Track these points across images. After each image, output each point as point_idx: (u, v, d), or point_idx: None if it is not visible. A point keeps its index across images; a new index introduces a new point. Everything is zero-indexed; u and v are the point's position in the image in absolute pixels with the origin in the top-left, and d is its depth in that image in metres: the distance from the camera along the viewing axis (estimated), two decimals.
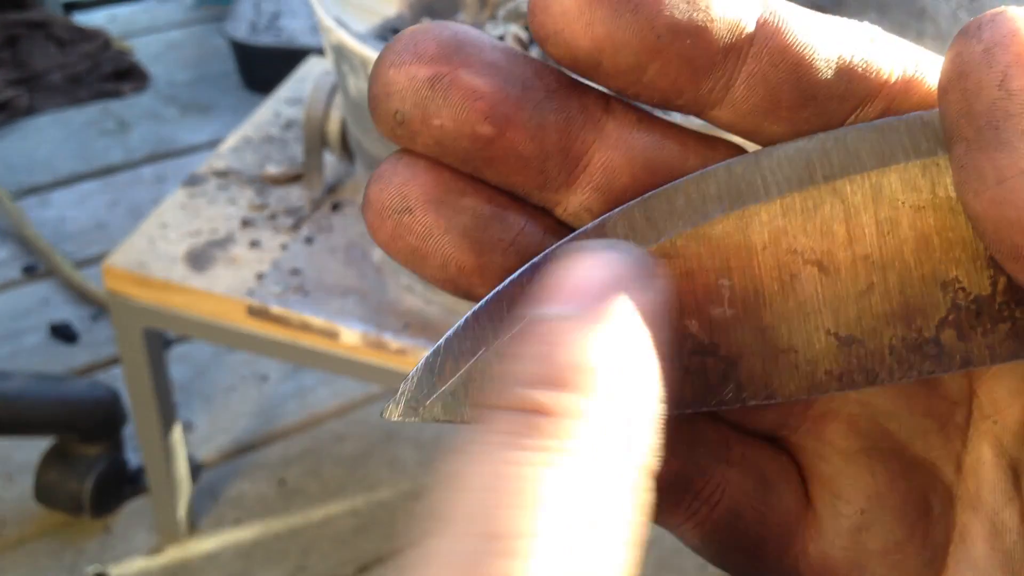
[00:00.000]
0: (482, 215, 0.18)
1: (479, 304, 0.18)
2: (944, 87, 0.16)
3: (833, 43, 0.17)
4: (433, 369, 0.18)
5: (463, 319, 0.18)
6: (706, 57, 0.17)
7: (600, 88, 0.18)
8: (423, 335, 0.87)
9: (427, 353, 0.18)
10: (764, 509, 0.20)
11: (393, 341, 0.86)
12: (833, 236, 0.17)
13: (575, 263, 0.15)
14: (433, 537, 0.13)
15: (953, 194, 0.17)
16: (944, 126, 0.17)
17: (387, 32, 0.95)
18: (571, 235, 0.18)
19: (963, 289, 0.17)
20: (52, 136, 1.96)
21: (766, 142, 0.18)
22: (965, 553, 0.20)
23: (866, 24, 0.18)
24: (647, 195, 0.18)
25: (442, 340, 0.18)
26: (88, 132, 1.97)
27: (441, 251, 0.18)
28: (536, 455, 0.13)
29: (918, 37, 0.94)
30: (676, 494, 0.19)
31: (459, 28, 0.18)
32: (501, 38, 0.92)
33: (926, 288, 0.17)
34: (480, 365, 0.17)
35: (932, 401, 0.20)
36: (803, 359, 0.18)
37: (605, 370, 0.14)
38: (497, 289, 0.18)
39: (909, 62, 0.18)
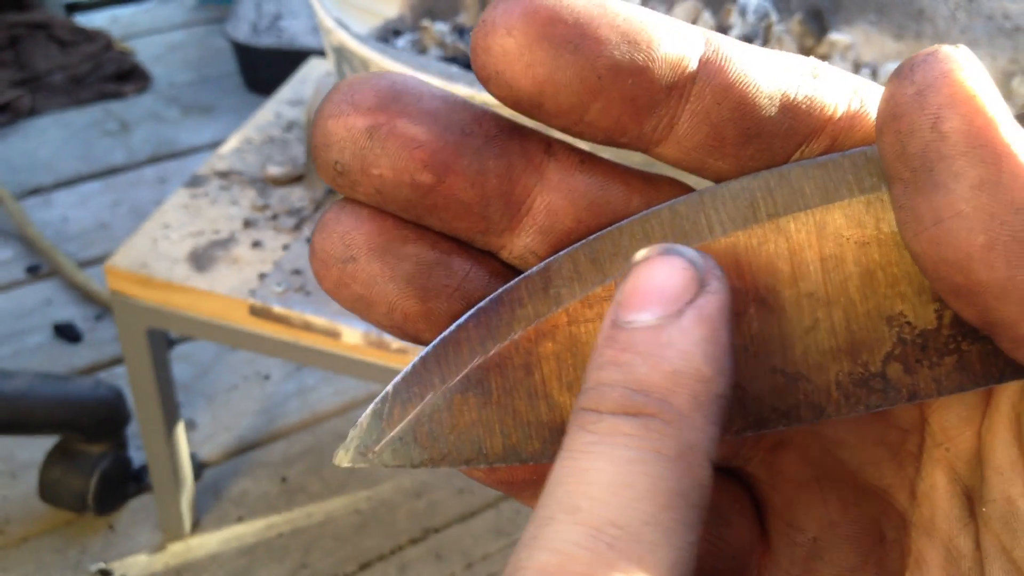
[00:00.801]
0: (426, 262, 0.18)
1: (426, 350, 0.18)
2: (880, 128, 0.17)
3: (776, 80, 0.17)
4: (381, 415, 0.18)
5: (410, 365, 0.18)
6: (648, 96, 0.17)
7: (543, 130, 0.19)
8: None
9: (375, 400, 0.18)
10: (718, 541, 0.20)
11: (394, 341, 0.87)
12: (778, 274, 0.17)
13: (649, 269, 0.16)
14: (558, 524, 0.14)
15: (895, 229, 0.17)
16: (883, 166, 0.17)
17: (387, 33, 0.96)
18: (517, 279, 0.18)
19: (909, 323, 0.17)
20: (54, 137, 1.96)
21: (712, 177, 0.18)
22: None
23: (811, 59, 0.18)
24: (592, 237, 0.18)
25: (389, 386, 0.18)
26: (90, 133, 1.98)
27: (386, 298, 0.18)
28: (647, 453, 0.15)
29: (916, 38, 0.94)
30: None
31: (397, 77, 0.18)
32: None
33: (872, 323, 0.17)
34: (427, 410, 0.18)
35: (884, 429, 0.20)
36: (750, 396, 0.18)
37: (691, 374, 0.16)
38: (443, 335, 0.18)
39: (854, 97, 0.18)
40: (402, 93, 0.18)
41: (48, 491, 1.17)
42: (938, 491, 0.20)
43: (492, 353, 0.18)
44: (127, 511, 1.22)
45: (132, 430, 1.20)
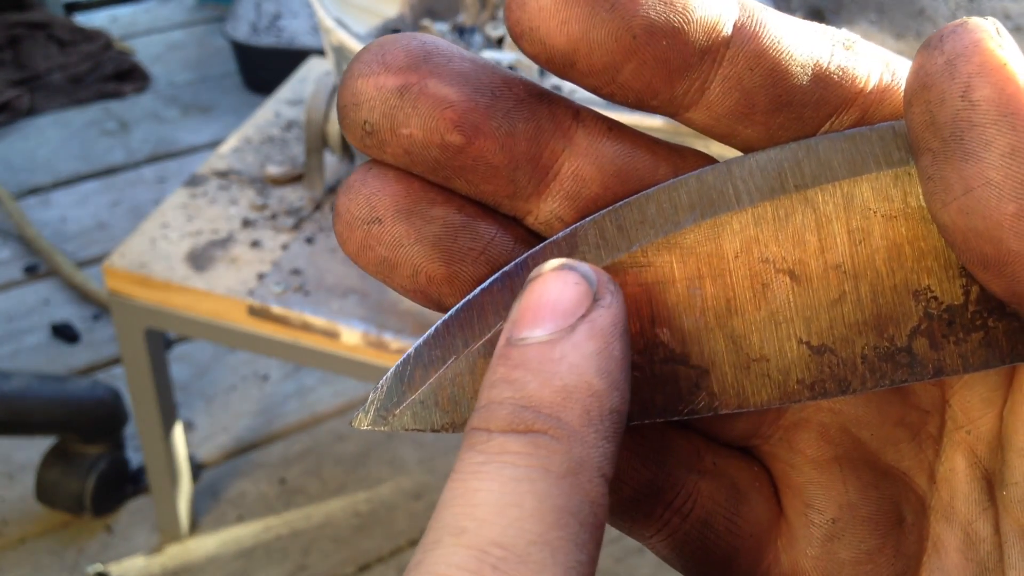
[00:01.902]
0: (452, 225, 0.18)
1: (449, 313, 0.18)
2: (908, 99, 0.16)
3: (809, 49, 0.17)
4: (403, 378, 0.18)
5: (433, 328, 0.18)
6: (682, 59, 0.17)
7: (570, 100, 0.18)
8: (423, 335, 0.87)
9: (396, 362, 0.18)
10: (736, 519, 0.20)
11: (393, 341, 0.87)
12: (805, 245, 0.17)
13: (543, 285, 0.16)
14: (444, 548, 0.14)
15: (923, 203, 0.17)
16: (910, 138, 0.17)
17: (387, 33, 0.96)
18: (542, 244, 0.18)
19: (935, 299, 0.17)
20: (53, 136, 1.96)
21: (740, 146, 0.18)
22: (938, 563, 0.20)
23: (844, 31, 0.18)
24: (618, 204, 0.18)
25: (411, 349, 0.18)
26: (89, 133, 1.98)
27: (411, 261, 0.18)
28: (535, 471, 0.15)
29: (917, 38, 0.94)
30: (647, 505, 0.19)
31: (427, 38, 0.18)
32: (500, 40, 0.92)
33: (898, 298, 0.17)
34: (449, 374, 0.17)
35: (904, 410, 0.20)
36: (775, 368, 0.18)
37: (582, 388, 0.15)
38: (467, 298, 0.18)
39: (885, 71, 0.18)
40: (432, 54, 0.17)
41: (45, 492, 1.17)
42: (958, 474, 0.20)
43: None
44: (125, 512, 1.21)
45: (130, 431, 1.19)
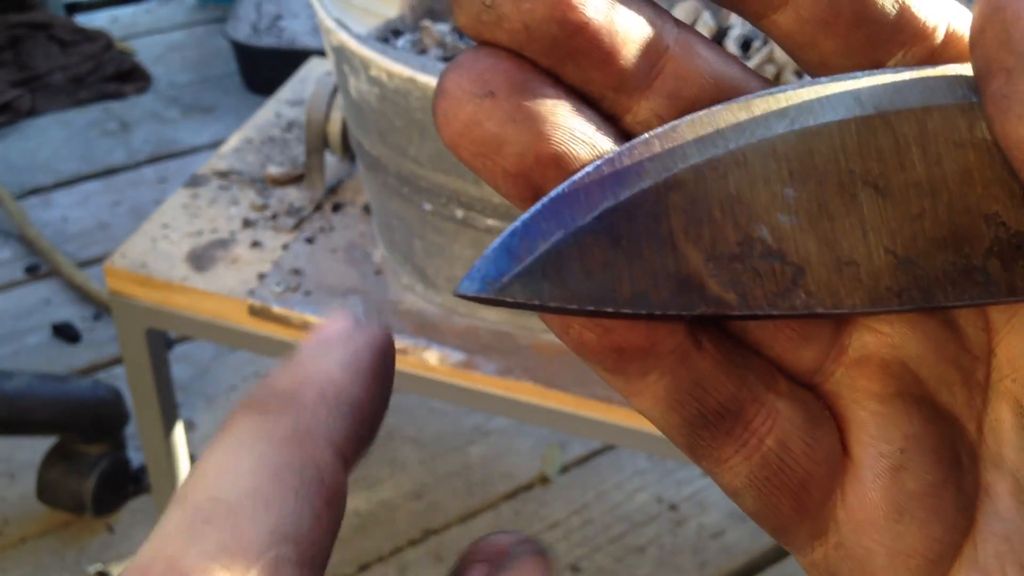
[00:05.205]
0: (565, 105, 0.18)
1: (555, 191, 0.18)
2: (980, 26, 0.17)
3: None
4: (508, 249, 0.17)
5: (539, 204, 0.18)
6: None
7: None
8: (423, 335, 0.87)
9: (501, 234, 0.18)
10: (812, 443, 0.20)
11: (394, 341, 0.87)
12: (886, 162, 0.18)
13: (328, 324, 0.19)
14: (167, 517, 0.15)
15: (988, 136, 0.18)
16: (979, 67, 0.17)
17: (388, 33, 0.96)
18: (644, 135, 0.18)
19: (1004, 224, 0.18)
20: (54, 137, 1.96)
21: (816, 61, 0.19)
22: (992, 507, 0.20)
23: None
24: (714, 107, 0.18)
25: (518, 223, 0.18)
26: (90, 133, 1.98)
27: (522, 138, 0.18)
28: (257, 438, 0.16)
29: None
30: (728, 422, 0.19)
31: None
32: None
33: (971, 219, 0.18)
34: (558, 247, 0.17)
35: (958, 351, 0.20)
36: (865, 273, 0.18)
37: (321, 376, 0.18)
38: (572, 179, 0.18)
39: (952, 18, 0.19)
40: None
41: (46, 492, 1.17)
42: (1004, 424, 0.20)
43: (623, 198, 0.18)
44: (126, 512, 1.21)
45: (131, 431, 1.19)
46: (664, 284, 0.18)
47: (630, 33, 0.18)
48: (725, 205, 0.18)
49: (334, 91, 0.96)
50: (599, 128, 0.18)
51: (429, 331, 0.87)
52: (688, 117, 0.18)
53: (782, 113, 0.18)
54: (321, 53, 1.29)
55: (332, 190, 1.04)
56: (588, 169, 0.18)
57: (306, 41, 1.96)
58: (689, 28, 0.19)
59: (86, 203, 1.77)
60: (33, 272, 1.59)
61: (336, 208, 1.02)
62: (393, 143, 0.80)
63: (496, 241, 0.17)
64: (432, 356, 0.86)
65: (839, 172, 0.18)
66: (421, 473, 1.29)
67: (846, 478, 0.20)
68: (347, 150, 0.98)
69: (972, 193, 0.18)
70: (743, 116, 0.18)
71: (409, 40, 0.95)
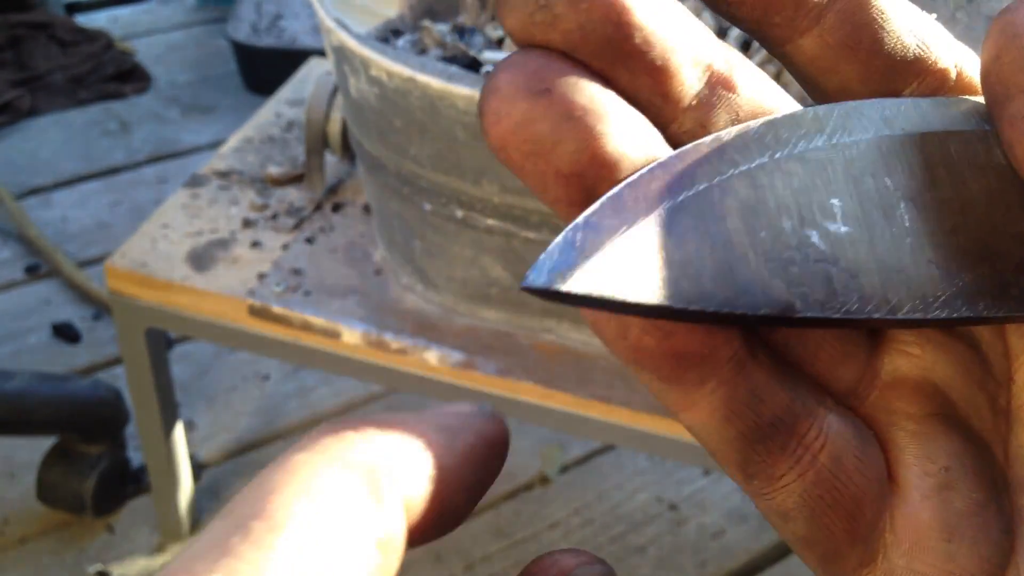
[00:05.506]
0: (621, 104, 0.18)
1: (613, 191, 0.18)
2: (996, 53, 0.17)
3: (910, 12, 0.19)
4: (573, 244, 0.17)
5: (598, 202, 0.17)
6: None
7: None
8: (423, 335, 0.87)
9: (564, 230, 0.17)
10: (864, 459, 0.19)
11: (394, 341, 0.87)
12: (917, 179, 0.19)
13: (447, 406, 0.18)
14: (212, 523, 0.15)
15: (1003, 161, 0.19)
16: (996, 92, 0.18)
17: (387, 33, 0.96)
18: (695, 142, 0.18)
19: None
20: (54, 137, 1.96)
21: (835, 86, 0.19)
22: None
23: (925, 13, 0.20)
24: (756, 120, 0.19)
25: (580, 219, 0.17)
26: (90, 133, 1.98)
27: (578, 136, 0.17)
28: (316, 460, 0.15)
29: None
30: (783, 435, 0.19)
31: None
32: (501, 40, 0.92)
33: (1000, 236, 0.19)
34: (623, 243, 0.17)
35: (984, 375, 0.20)
36: (914, 281, 0.19)
37: (411, 429, 0.16)
38: (628, 180, 0.18)
39: (959, 57, 0.19)
40: None
41: (46, 492, 1.17)
42: None
43: (681, 199, 0.18)
44: (126, 512, 1.21)
45: (131, 431, 1.19)
46: (729, 284, 0.18)
47: (681, 41, 0.18)
48: (778, 211, 0.18)
49: (334, 91, 0.96)
50: (652, 132, 0.18)
51: (429, 331, 0.87)
52: (732, 128, 0.18)
53: (820, 128, 0.19)
54: (321, 53, 1.29)
55: (332, 190, 1.04)
56: (643, 171, 0.18)
57: (306, 41, 1.96)
58: (730, 47, 0.19)
59: (86, 203, 1.77)
60: (33, 272, 1.59)
61: (336, 208, 1.02)
62: (393, 143, 0.80)
63: (559, 237, 0.17)
64: (432, 356, 0.86)
65: (877, 186, 0.19)
66: None
67: (893, 501, 0.20)
68: (347, 150, 0.98)
69: (997, 212, 0.19)
70: (784, 130, 0.19)
71: (409, 40, 0.95)
